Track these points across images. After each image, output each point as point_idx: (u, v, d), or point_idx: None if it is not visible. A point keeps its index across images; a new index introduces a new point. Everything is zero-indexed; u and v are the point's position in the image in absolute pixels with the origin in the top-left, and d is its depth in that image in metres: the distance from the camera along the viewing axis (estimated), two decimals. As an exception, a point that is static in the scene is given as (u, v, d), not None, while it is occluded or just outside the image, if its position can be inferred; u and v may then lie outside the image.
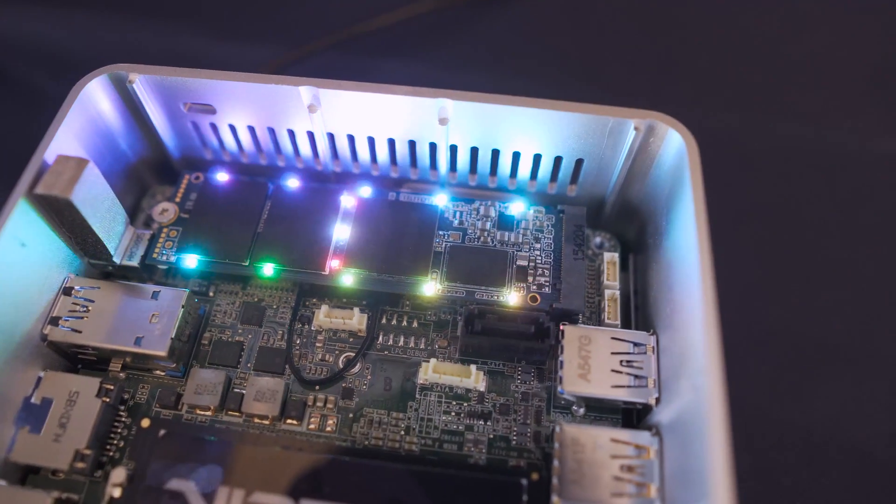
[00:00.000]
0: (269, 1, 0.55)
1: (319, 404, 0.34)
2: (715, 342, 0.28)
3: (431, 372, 0.33)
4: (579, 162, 0.36)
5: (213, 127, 0.37)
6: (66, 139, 0.34)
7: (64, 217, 0.33)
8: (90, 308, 0.34)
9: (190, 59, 0.51)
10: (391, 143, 0.36)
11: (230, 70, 0.35)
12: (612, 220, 0.39)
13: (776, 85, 0.52)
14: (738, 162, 0.48)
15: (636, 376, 0.33)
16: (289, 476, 0.31)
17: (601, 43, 0.54)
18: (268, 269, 0.35)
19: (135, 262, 0.36)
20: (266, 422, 0.33)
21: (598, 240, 0.38)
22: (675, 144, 0.32)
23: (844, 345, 0.41)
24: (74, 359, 0.35)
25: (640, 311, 0.37)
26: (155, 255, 0.36)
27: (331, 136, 0.37)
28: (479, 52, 0.52)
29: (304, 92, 0.34)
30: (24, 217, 0.31)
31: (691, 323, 0.29)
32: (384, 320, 0.36)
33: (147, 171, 0.40)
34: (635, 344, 0.33)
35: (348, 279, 0.35)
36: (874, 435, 0.39)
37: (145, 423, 0.33)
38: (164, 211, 0.37)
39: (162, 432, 0.33)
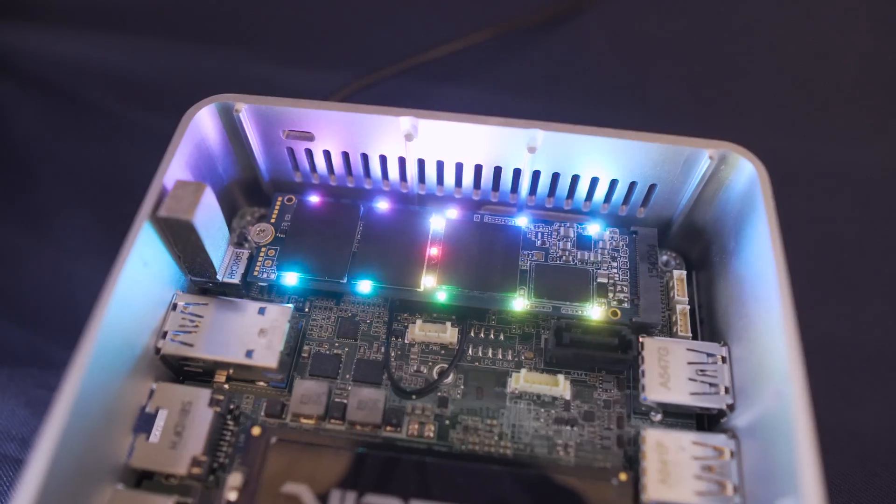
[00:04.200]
0: (334, 31, 0.58)
1: (417, 412, 0.36)
2: (796, 351, 0.30)
3: (523, 381, 0.36)
4: (652, 186, 0.39)
5: (308, 152, 0.40)
6: (176, 163, 0.36)
7: (179, 237, 0.35)
8: (198, 323, 0.36)
9: (254, 84, 0.54)
10: (478, 168, 0.39)
11: (305, 96, 0.37)
12: (678, 240, 0.41)
13: (814, 108, 0.55)
14: (779, 180, 0.51)
15: (710, 384, 0.35)
16: (396, 479, 0.33)
17: (647, 69, 0.57)
18: (365, 287, 0.37)
19: (236, 280, 0.38)
20: (368, 429, 0.36)
21: (664, 258, 0.41)
22: (746, 172, 0.35)
23: (888, 353, 0.44)
24: (180, 371, 0.37)
25: (705, 324, 0.40)
26: (256, 273, 0.38)
27: (420, 162, 0.39)
28: (533, 77, 0.55)
29: (404, 122, 0.37)
30: (147, 238, 0.34)
31: (769, 334, 0.32)
32: (472, 333, 0.38)
33: (238, 192, 0.43)
34: (708, 354, 0.36)
35: (442, 296, 0.37)
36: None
37: (256, 430, 0.35)
38: (262, 231, 0.39)
39: (274, 439, 0.35)
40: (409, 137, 0.37)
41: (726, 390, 0.35)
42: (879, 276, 0.47)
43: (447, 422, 0.36)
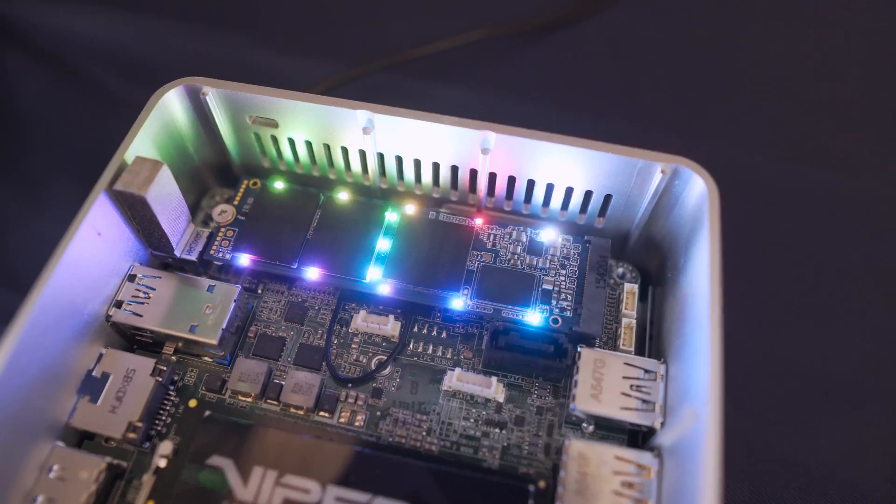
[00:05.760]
0: (325, 21, 0.59)
1: (350, 400, 0.37)
2: (718, 375, 0.30)
3: (456, 380, 0.36)
4: (608, 197, 0.39)
5: (274, 139, 0.41)
6: (141, 141, 0.37)
7: (136, 211, 0.36)
8: (151, 295, 0.38)
9: (248, 70, 0.56)
10: (435, 166, 0.40)
11: (289, 86, 0.38)
12: (636, 253, 0.41)
13: (805, 128, 0.54)
14: (760, 201, 0.50)
15: (644, 401, 0.35)
16: (318, 463, 0.34)
17: (639, 79, 0.57)
18: (313, 274, 0.38)
19: (193, 257, 0.39)
20: (301, 412, 0.37)
21: (620, 270, 0.41)
22: (697, 189, 0.35)
23: (849, 385, 0.43)
24: (132, 339, 0.39)
25: (654, 341, 0.39)
26: (212, 252, 0.39)
27: (380, 156, 0.40)
28: (522, 80, 0.55)
29: (360, 115, 0.37)
30: (102, 209, 0.35)
31: (697, 355, 0.32)
32: (416, 329, 0.39)
33: (208, 173, 0.44)
34: (646, 371, 0.36)
35: (386, 288, 0.38)
36: (873, 475, 0.41)
37: (192, 403, 0.37)
38: (223, 212, 0.41)
39: (207, 413, 0.36)
40: (366, 131, 0.38)
41: (659, 408, 0.35)
42: (849, 305, 0.46)
43: (378, 413, 0.37)
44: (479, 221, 0.40)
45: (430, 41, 0.54)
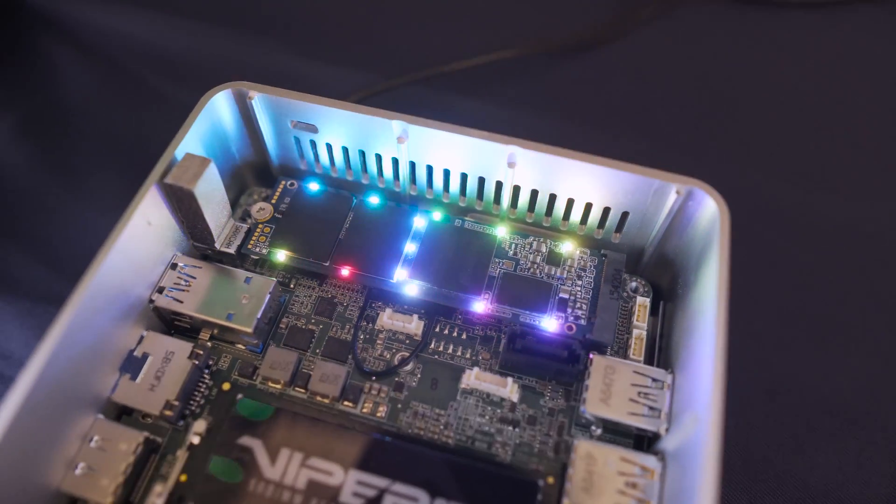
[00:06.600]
0: (361, 34, 0.62)
1: (374, 392, 0.39)
2: (720, 380, 0.32)
3: (474, 378, 0.38)
4: (625, 214, 0.41)
5: (312, 143, 0.43)
6: (191, 139, 0.40)
7: (183, 204, 0.39)
8: (191, 283, 0.40)
9: (285, 76, 0.58)
10: (463, 176, 0.42)
11: (321, 93, 0.41)
12: (649, 269, 0.43)
13: (816, 156, 0.56)
14: (769, 224, 0.52)
15: (650, 407, 0.37)
16: (341, 448, 0.36)
17: (658, 102, 0.59)
18: (344, 271, 0.41)
19: (231, 250, 0.42)
20: (326, 400, 0.39)
21: (633, 284, 0.43)
22: (709, 210, 0.37)
23: (851, 406, 0.45)
24: (171, 324, 0.41)
25: (662, 352, 0.41)
26: (250, 247, 0.42)
27: (412, 164, 0.42)
28: (547, 99, 0.58)
29: (396, 125, 0.40)
30: (152, 200, 0.38)
31: (702, 366, 0.34)
32: (438, 329, 0.41)
33: (248, 172, 0.47)
34: (654, 379, 0.38)
35: (412, 289, 0.40)
36: (870, 493, 0.42)
37: (226, 386, 0.39)
38: (262, 209, 0.43)
39: (239, 396, 0.38)
40: (400, 140, 0.40)
41: (664, 415, 0.37)
42: (851, 328, 0.48)
43: (399, 405, 0.39)
44: (501, 231, 0.42)
45: (461, 58, 0.57)
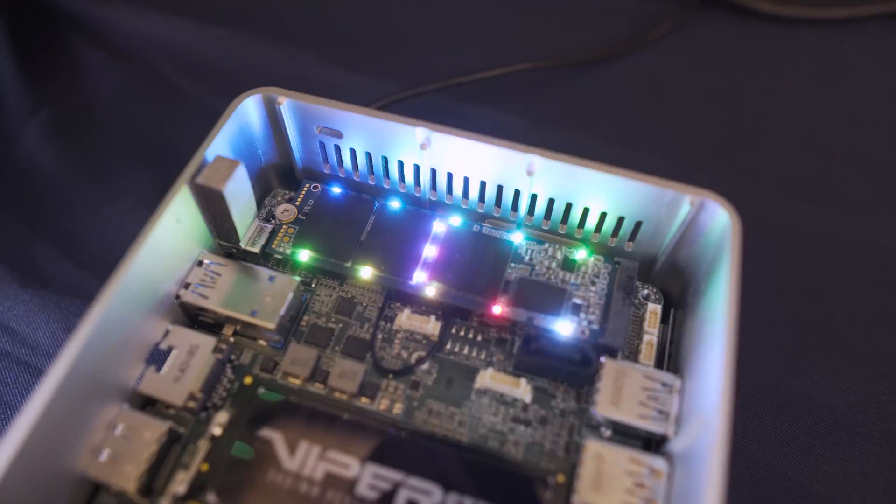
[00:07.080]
0: (384, 44, 0.64)
1: (391, 390, 0.40)
2: (729, 384, 0.33)
3: (488, 379, 0.40)
4: (639, 224, 0.42)
5: (337, 148, 0.45)
6: (220, 141, 0.41)
7: (211, 204, 0.40)
8: (216, 280, 0.42)
9: (313, 84, 0.60)
10: (482, 184, 0.43)
11: (352, 101, 0.42)
12: (661, 277, 0.44)
13: (828, 174, 0.57)
14: (780, 239, 0.53)
15: (659, 411, 0.38)
16: (358, 442, 0.38)
17: (673, 117, 0.60)
18: (365, 272, 0.42)
19: (256, 249, 0.43)
20: (345, 396, 0.40)
21: (645, 292, 0.44)
22: (721, 222, 0.38)
23: (856, 417, 0.45)
24: (195, 319, 0.43)
25: (672, 358, 0.42)
26: (274, 246, 0.43)
27: (433, 171, 0.44)
28: (564, 111, 0.59)
29: (419, 132, 0.41)
30: (183, 200, 0.39)
31: (710, 372, 0.35)
32: (454, 330, 0.42)
33: (273, 174, 0.48)
34: (663, 384, 0.39)
35: (430, 291, 0.41)
36: (873, 503, 0.43)
37: (248, 380, 0.40)
38: (286, 211, 0.45)
39: (261, 390, 0.40)
40: (423, 147, 0.42)
41: (673, 418, 0.38)
42: (865, 345, 0.49)
43: (415, 403, 0.40)
44: (518, 237, 0.43)
45: (482, 70, 0.58)
